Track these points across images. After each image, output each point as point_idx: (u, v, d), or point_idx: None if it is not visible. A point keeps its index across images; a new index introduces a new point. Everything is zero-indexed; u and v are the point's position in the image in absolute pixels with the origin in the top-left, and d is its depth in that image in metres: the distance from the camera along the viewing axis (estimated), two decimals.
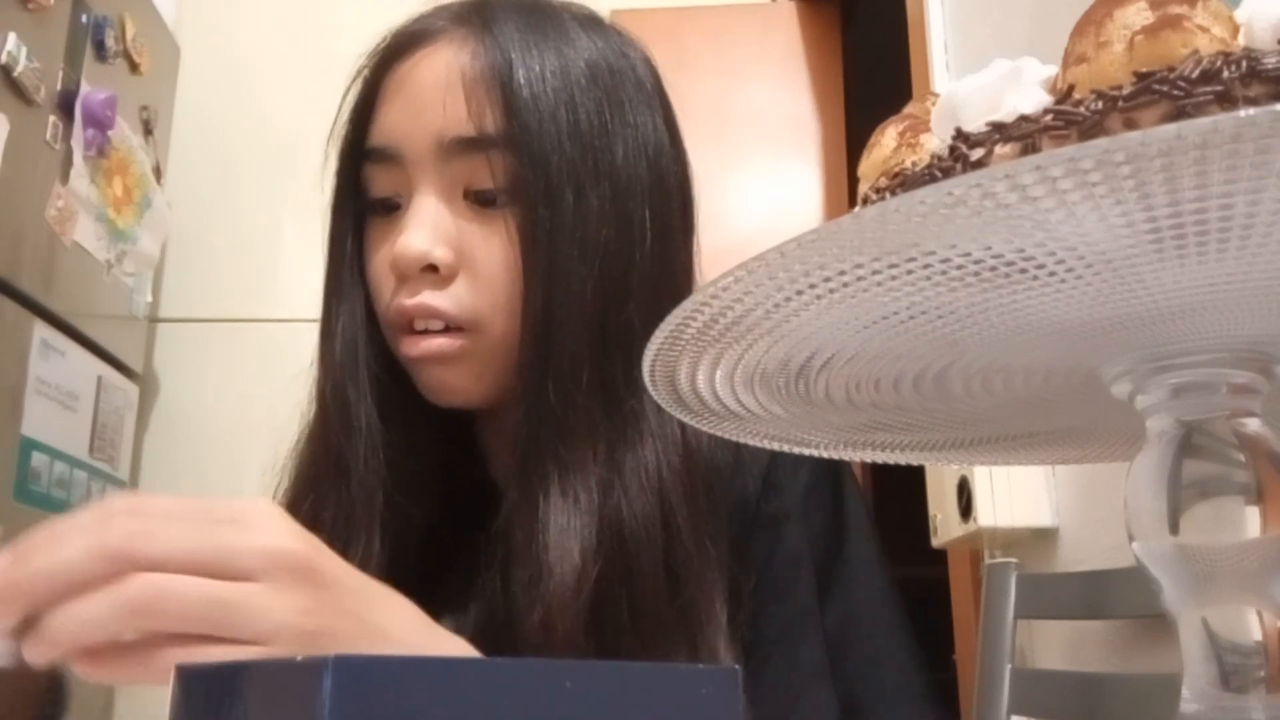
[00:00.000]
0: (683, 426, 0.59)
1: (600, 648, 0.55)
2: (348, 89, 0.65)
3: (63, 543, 0.37)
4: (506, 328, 0.60)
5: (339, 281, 0.64)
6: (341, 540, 0.61)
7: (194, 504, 0.39)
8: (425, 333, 0.61)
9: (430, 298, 0.60)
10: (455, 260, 0.60)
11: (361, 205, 0.64)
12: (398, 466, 0.62)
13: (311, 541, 0.41)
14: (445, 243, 0.60)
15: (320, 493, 0.62)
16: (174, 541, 0.38)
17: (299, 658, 0.24)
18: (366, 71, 0.64)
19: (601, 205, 0.60)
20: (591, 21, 0.66)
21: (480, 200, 0.61)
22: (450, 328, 0.60)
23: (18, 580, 0.37)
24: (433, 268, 0.60)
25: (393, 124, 0.62)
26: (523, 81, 0.59)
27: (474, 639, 0.63)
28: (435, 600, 0.65)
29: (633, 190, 0.61)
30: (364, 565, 0.60)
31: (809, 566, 0.62)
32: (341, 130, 0.64)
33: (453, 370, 0.61)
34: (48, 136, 1.74)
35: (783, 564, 0.62)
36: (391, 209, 0.63)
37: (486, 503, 0.66)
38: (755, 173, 2.35)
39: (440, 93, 0.60)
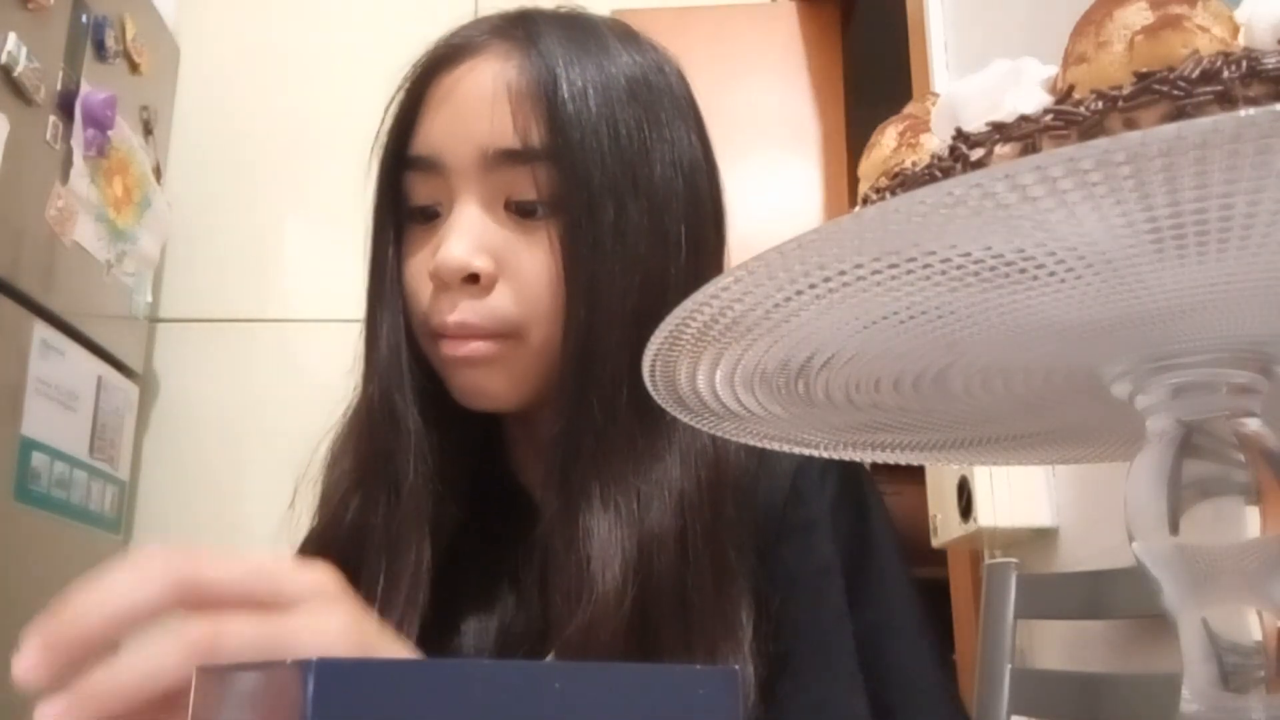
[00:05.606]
0: (712, 439, 0.60)
1: (634, 658, 0.55)
2: (391, 100, 0.66)
3: (114, 581, 0.36)
4: (545, 335, 0.61)
5: (381, 289, 0.65)
6: (391, 547, 0.62)
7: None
8: (462, 337, 0.61)
9: (468, 313, 0.60)
10: (495, 269, 0.61)
11: (402, 214, 0.65)
12: (444, 472, 0.64)
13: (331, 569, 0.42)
14: (486, 252, 0.61)
15: (368, 496, 0.63)
16: (225, 572, 0.38)
17: (287, 660, 0.24)
18: (409, 82, 0.65)
19: (640, 220, 0.61)
20: (629, 36, 0.67)
21: (521, 211, 0.61)
22: (488, 334, 0.61)
23: (73, 619, 0.35)
24: (473, 277, 0.60)
25: (437, 134, 0.62)
26: (567, 96, 0.60)
27: (499, 642, 0.64)
28: (458, 603, 0.65)
29: (669, 205, 0.62)
30: (415, 571, 0.61)
31: (839, 574, 0.62)
32: (383, 140, 0.65)
33: (489, 374, 0.62)
34: (48, 136, 1.74)
35: (814, 572, 0.62)
36: (431, 217, 0.64)
37: (513, 507, 0.67)
38: (755, 173, 2.35)
39: (486, 105, 0.61)
